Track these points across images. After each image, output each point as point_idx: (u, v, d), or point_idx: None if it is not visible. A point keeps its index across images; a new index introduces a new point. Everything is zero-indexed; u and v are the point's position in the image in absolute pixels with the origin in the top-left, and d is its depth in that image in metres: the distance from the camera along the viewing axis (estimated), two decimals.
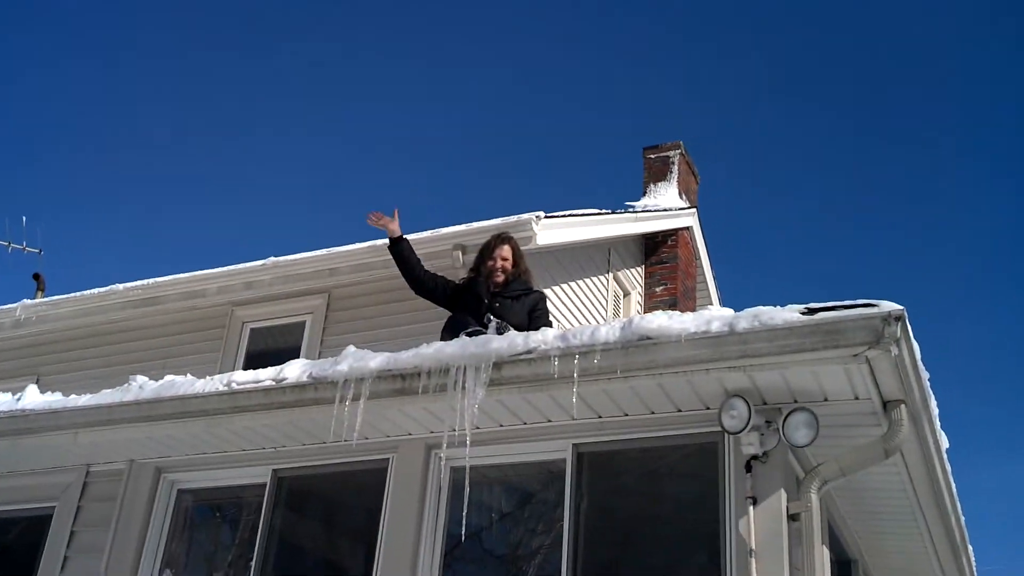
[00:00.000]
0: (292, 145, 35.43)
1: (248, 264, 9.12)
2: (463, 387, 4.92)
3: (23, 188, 30.69)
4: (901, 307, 4.17)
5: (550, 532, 5.21)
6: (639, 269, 10.66)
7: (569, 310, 8.84)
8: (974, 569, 7.03)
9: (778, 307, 4.45)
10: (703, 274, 11.35)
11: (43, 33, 31.68)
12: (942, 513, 5.68)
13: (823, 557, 4.51)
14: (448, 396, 4.96)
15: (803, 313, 4.34)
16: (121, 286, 9.52)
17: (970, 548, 6.66)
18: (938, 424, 4.97)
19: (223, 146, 36.15)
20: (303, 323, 8.91)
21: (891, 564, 6.81)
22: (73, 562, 6.28)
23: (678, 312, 4.87)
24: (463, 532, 5.15)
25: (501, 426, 5.31)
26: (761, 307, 4.49)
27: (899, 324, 4.12)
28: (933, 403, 4.76)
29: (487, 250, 6.50)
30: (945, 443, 5.17)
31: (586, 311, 9.22)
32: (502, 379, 4.88)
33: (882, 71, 32.15)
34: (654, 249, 10.65)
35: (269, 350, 8.88)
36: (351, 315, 8.67)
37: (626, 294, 10.32)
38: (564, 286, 8.88)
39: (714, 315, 4.61)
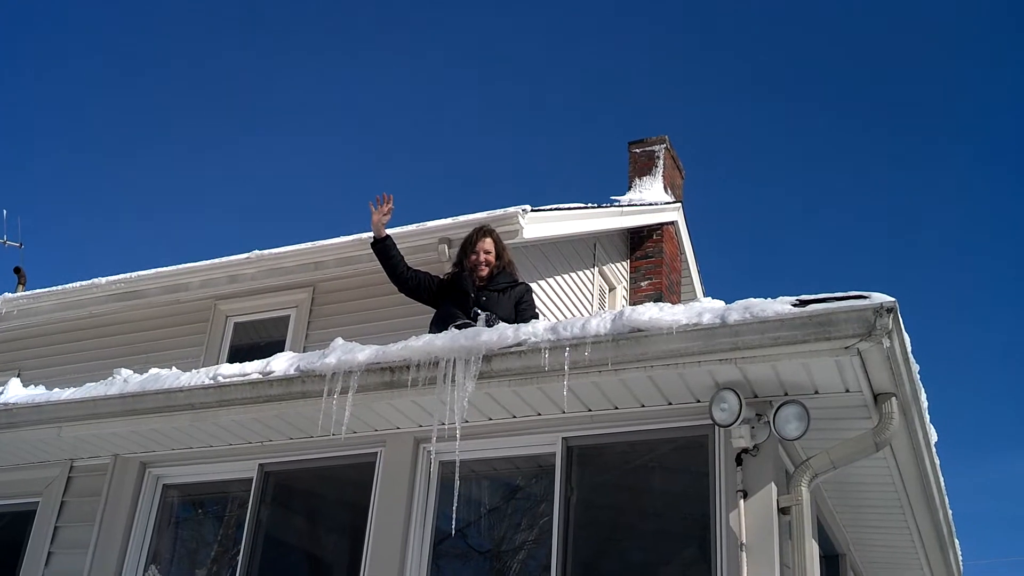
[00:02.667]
0: (276, 139, 35.27)
1: (232, 257, 9.07)
2: (453, 380, 4.89)
3: (3, 181, 30.41)
4: (893, 299, 4.16)
5: (540, 526, 5.19)
6: (624, 263, 10.66)
7: (555, 304, 8.82)
8: (960, 564, 7.06)
9: (769, 299, 4.43)
10: (688, 268, 11.37)
11: (19, 30, 31.37)
12: (930, 507, 5.69)
13: (813, 551, 4.51)
14: (437, 389, 4.92)
15: (794, 305, 4.33)
16: (103, 279, 9.46)
17: (957, 543, 6.68)
18: (927, 417, 4.99)
19: (207, 140, 35.95)
20: (287, 317, 8.86)
21: (878, 558, 6.83)
22: (57, 558, 6.22)
23: (669, 304, 4.85)
24: (452, 526, 5.13)
25: (490, 420, 5.28)
26: (752, 299, 4.48)
27: (891, 316, 4.12)
28: (923, 396, 4.77)
29: (469, 244, 6.46)
30: (934, 437, 5.18)
31: (572, 305, 9.21)
32: (492, 372, 4.85)
33: (868, 61, 32.31)
34: (639, 243, 10.65)
35: (253, 344, 8.83)
36: (336, 309, 8.63)
37: (612, 288, 10.31)
38: (550, 280, 8.87)
39: (705, 307, 4.59)
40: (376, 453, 5.58)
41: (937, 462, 5.40)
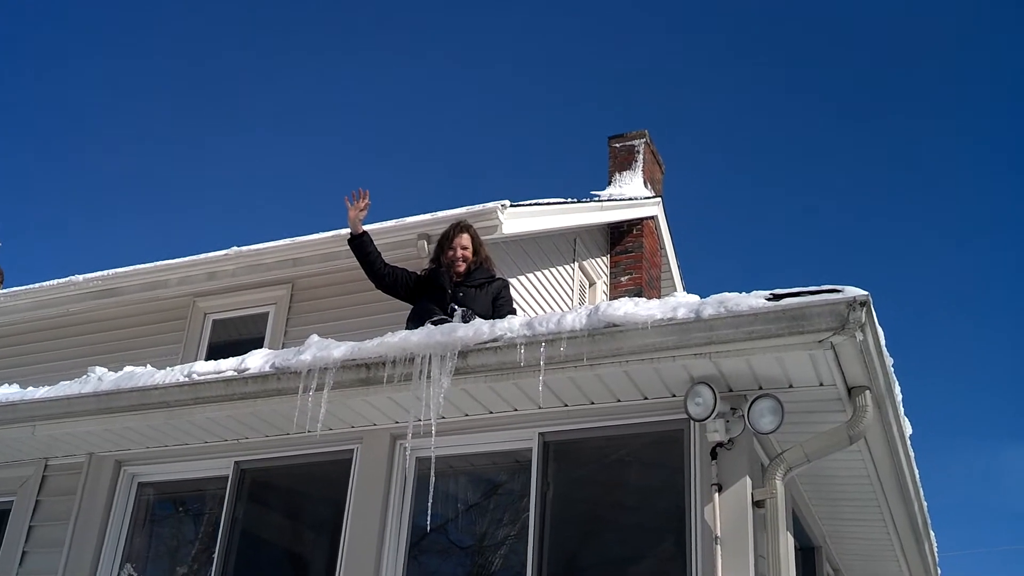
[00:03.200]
0: (255, 136, 35.13)
1: (211, 254, 9.04)
2: (429, 376, 4.87)
3: None
4: (866, 292, 4.17)
5: (517, 522, 5.18)
6: (604, 258, 10.66)
7: (535, 299, 8.82)
8: (936, 555, 7.09)
9: (744, 293, 4.44)
10: (668, 263, 11.38)
11: (15, 29, 31.15)
12: (905, 499, 5.71)
13: (788, 544, 4.52)
14: (413, 385, 4.91)
15: (768, 299, 4.33)
16: (80, 277, 9.41)
17: (932, 534, 6.71)
18: (902, 410, 5.00)
19: (185, 137, 35.77)
20: (266, 314, 8.84)
21: (854, 550, 6.85)
22: (32, 557, 6.17)
23: (644, 299, 4.85)
24: (429, 523, 5.12)
25: (467, 416, 5.27)
26: (727, 293, 4.48)
27: (864, 309, 4.12)
28: (897, 389, 4.78)
29: (445, 240, 6.44)
30: (909, 429, 5.20)
31: (552, 301, 9.20)
32: (468, 368, 4.84)
33: (846, 52, 32.41)
34: (619, 238, 10.65)
35: (232, 341, 8.79)
36: (315, 305, 8.61)
37: (592, 284, 10.31)
38: (530, 275, 8.86)
39: (680, 301, 4.60)
40: (352, 450, 5.56)
41: (912, 455, 5.41)
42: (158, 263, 9.16)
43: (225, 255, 8.93)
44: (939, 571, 7.43)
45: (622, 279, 10.29)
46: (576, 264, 9.92)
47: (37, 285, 9.61)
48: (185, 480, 6.15)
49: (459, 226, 6.51)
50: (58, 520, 6.15)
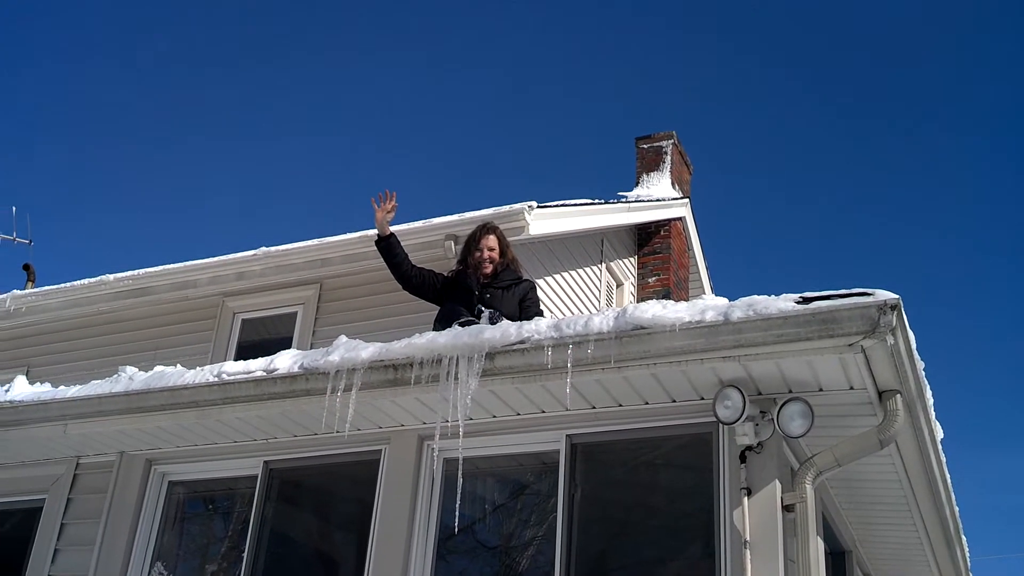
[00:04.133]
0: (284, 137, 35.31)
1: (240, 254, 9.09)
2: (456, 377, 4.88)
3: (13, 179, 30.53)
4: (897, 296, 4.13)
5: (544, 523, 5.17)
6: (632, 259, 10.62)
7: (562, 300, 8.81)
8: (968, 560, 7.02)
9: (773, 296, 4.41)
10: (696, 264, 11.33)
11: (29, 27, 31.48)
12: (936, 504, 5.66)
13: (818, 548, 4.49)
14: (441, 386, 4.92)
15: (798, 302, 4.30)
16: (112, 276, 9.48)
17: (964, 539, 6.65)
18: (933, 414, 4.95)
19: (215, 137, 36.03)
20: (295, 313, 8.88)
21: (884, 554, 6.79)
22: (64, 555, 6.23)
23: (672, 301, 4.83)
24: (456, 524, 5.12)
25: (494, 417, 5.28)
26: (756, 296, 4.45)
27: (895, 313, 4.09)
28: (928, 393, 4.74)
29: (472, 241, 6.45)
30: (940, 433, 5.15)
31: (579, 302, 9.19)
32: (495, 369, 4.84)
33: (879, 57, 32.14)
34: (647, 239, 10.61)
35: (260, 341, 8.85)
36: (343, 305, 8.64)
37: (619, 285, 10.29)
38: (557, 276, 8.85)
39: (708, 304, 4.57)
40: (380, 450, 5.58)
41: (943, 459, 5.36)
42: (188, 263, 9.22)
43: (254, 255, 8.98)
44: None
45: (650, 280, 10.25)
46: (603, 265, 9.90)
47: (68, 284, 9.69)
48: (215, 479, 6.19)
49: (486, 227, 6.52)
50: (89, 518, 6.20)
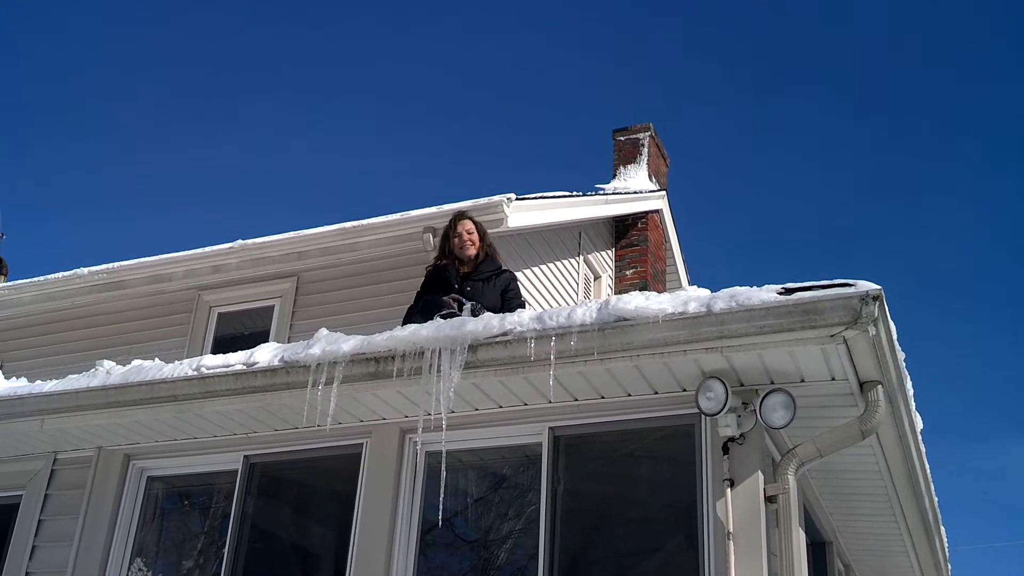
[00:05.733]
0: (261, 130, 35.08)
1: (215, 247, 9.04)
2: (438, 370, 4.86)
3: None
4: (879, 287, 4.16)
5: (526, 516, 5.18)
6: (609, 252, 10.64)
7: (540, 293, 8.81)
8: (946, 551, 7.08)
9: (755, 288, 4.43)
10: (673, 257, 11.35)
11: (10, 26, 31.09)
12: (916, 494, 5.71)
13: (800, 539, 4.51)
14: (423, 379, 4.90)
15: (780, 293, 4.32)
16: (85, 270, 9.41)
17: (943, 530, 6.71)
18: (913, 405, 5.00)
19: (191, 130, 35.72)
20: (272, 307, 8.83)
21: (864, 545, 6.84)
22: (41, 551, 6.17)
23: (655, 293, 4.84)
24: (439, 517, 5.11)
25: (476, 410, 5.26)
26: (738, 288, 4.47)
27: (876, 304, 4.12)
28: (908, 384, 4.78)
29: (450, 229, 6.43)
30: (920, 424, 5.20)
31: (557, 294, 9.19)
32: (478, 362, 4.83)
33: (855, 47, 32.36)
34: (624, 232, 10.63)
35: (237, 335, 8.79)
36: (320, 299, 8.60)
37: (597, 277, 10.30)
38: (535, 269, 8.85)
39: (691, 296, 4.59)
40: (362, 444, 5.55)
41: (923, 450, 5.41)
42: (163, 256, 9.16)
43: (230, 248, 8.93)
44: (949, 567, 7.42)
45: (627, 273, 10.27)
46: (581, 257, 9.91)
47: (42, 278, 9.60)
48: (195, 474, 6.14)
49: (459, 215, 6.52)
50: (68, 514, 6.14)
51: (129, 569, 5.99)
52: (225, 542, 5.72)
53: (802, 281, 4.37)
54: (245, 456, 5.88)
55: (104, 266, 9.38)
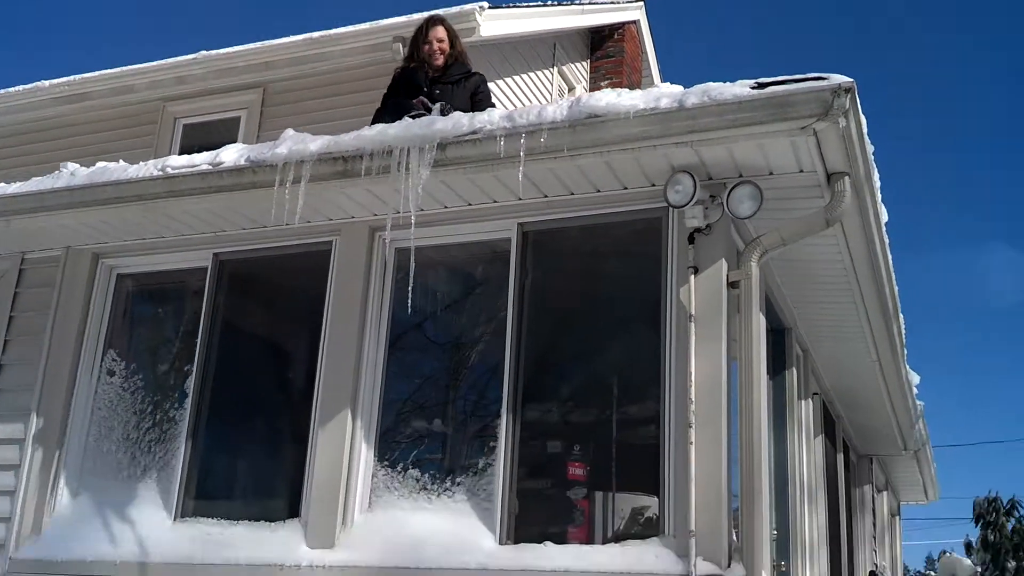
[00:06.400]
0: None
1: (179, 58, 8.92)
2: (407, 168, 4.83)
3: None
4: (851, 79, 4.15)
5: (496, 312, 5.24)
6: (584, 64, 10.48)
7: (513, 104, 8.71)
8: (903, 336, 7.26)
9: (728, 83, 4.40)
10: (649, 70, 11.19)
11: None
12: (877, 282, 5.77)
13: (760, 323, 4.62)
14: (391, 178, 4.86)
15: (753, 88, 4.30)
16: (47, 82, 9.29)
17: (901, 316, 6.86)
18: (879, 197, 5.04)
19: None
20: (238, 118, 8.76)
21: (823, 332, 6.95)
22: (13, 346, 6.23)
23: (627, 90, 4.79)
24: (409, 313, 5.17)
25: (446, 207, 5.26)
26: (711, 83, 4.44)
27: (848, 96, 4.11)
28: (876, 176, 4.81)
29: (420, 35, 6.27)
30: (885, 216, 5.25)
31: (530, 104, 9.11)
32: (447, 160, 4.79)
33: None
34: (600, 44, 10.44)
35: (203, 146, 8.58)
36: (289, 109, 8.53)
37: (571, 89, 10.17)
38: (508, 79, 8.74)
39: (663, 92, 4.56)
40: (331, 242, 5.56)
41: (887, 240, 5.48)
42: (126, 67, 9.02)
43: (194, 59, 8.78)
44: (905, 351, 7.65)
45: (602, 84, 10.10)
46: (555, 69, 9.76)
47: (3, 91, 9.44)
48: (164, 271, 6.13)
49: (432, 19, 6.34)
50: (38, 310, 6.17)
51: (102, 361, 6.07)
52: (197, 338, 5.79)
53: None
54: (215, 254, 5.87)
55: (66, 79, 9.25)
